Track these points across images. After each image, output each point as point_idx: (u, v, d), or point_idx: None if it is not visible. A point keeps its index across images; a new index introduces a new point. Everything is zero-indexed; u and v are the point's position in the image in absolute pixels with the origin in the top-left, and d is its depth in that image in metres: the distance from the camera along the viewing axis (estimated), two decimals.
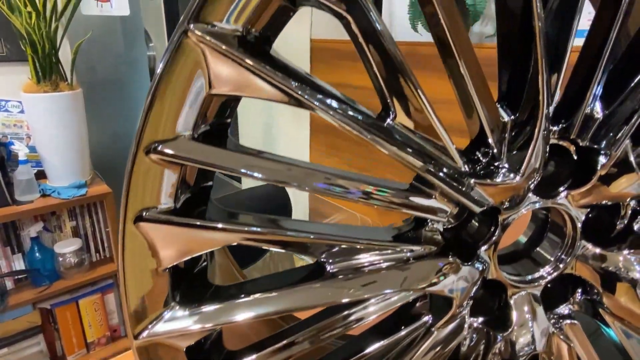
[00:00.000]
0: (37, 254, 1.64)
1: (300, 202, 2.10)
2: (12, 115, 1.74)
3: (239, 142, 0.29)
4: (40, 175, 1.65)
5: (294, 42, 2.39)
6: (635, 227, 0.40)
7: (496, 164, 0.34)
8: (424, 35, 2.05)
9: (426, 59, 1.78)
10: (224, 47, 0.24)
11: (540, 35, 0.28)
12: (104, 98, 2.54)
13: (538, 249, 0.42)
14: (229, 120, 0.30)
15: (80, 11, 1.91)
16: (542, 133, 0.32)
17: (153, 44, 3.05)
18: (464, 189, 0.33)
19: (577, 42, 0.33)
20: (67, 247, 1.66)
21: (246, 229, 0.29)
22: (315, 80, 0.28)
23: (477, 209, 0.34)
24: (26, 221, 1.65)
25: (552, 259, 0.40)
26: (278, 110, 2.32)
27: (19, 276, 1.65)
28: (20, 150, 1.59)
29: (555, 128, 0.35)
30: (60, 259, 1.66)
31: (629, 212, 0.40)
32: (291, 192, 1.68)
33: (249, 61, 0.24)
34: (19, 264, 1.65)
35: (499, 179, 0.33)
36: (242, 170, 0.27)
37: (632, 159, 0.35)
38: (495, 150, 0.34)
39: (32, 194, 1.57)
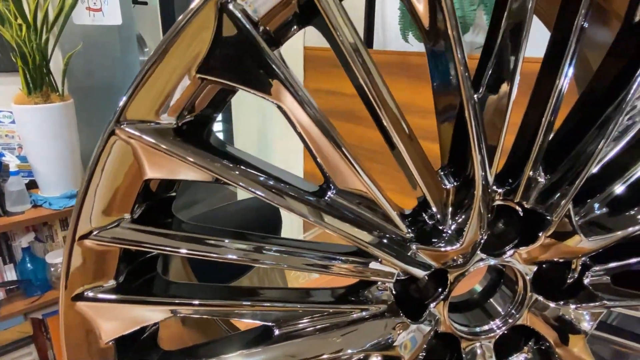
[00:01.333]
0: (29, 265, 1.65)
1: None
2: (3, 125, 1.75)
3: (183, 221, 0.30)
4: (32, 185, 1.66)
5: (286, 50, 2.39)
6: (585, 282, 0.40)
7: (441, 227, 0.35)
8: (415, 46, 2.05)
9: (417, 68, 1.78)
10: (152, 141, 0.24)
11: (470, 109, 0.29)
12: (96, 105, 2.54)
13: (491, 300, 0.43)
14: (174, 194, 0.31)
15: (72, 20, 1.91)
16: (479, 200, 0.32)
17: (148, 49, 3.06)
18: (406, 255, 0.33)
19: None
20: (58, 257, 1.67)
21: (185, 302, 0.29)
22: (252, 161, 0.29)
23: (421, 274, 0.34)
24: (17, 232, 1.66)
25: (502, 312, 0.41)
26: (272, 119, 2.32)
27: (11, 287, 1.66)
28: (11, 161, 1.60)
29: (500, 190, 0.36)
30: (52, 269, 1.67)
31: (579, 266, 0.40)
32: None
33: (177, 152, 0.25)
34: (10, 274, 1.66)
35: (441, 244, 0.34)
36: (184, 251, 0.28)
37: (574, 221, 0.36)
38: (439, 216, 0.34)
39: (23, 204, 1.58)
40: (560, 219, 0.35)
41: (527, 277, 0.39)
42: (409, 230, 0.34)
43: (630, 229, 0.36)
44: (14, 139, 1.75)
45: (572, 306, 0.39)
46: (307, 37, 2.35)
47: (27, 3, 1.62)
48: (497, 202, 0.36)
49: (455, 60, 0.27)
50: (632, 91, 0.30)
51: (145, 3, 3.00)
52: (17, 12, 1.53)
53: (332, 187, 0.31)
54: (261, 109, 2.18)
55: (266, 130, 2.40)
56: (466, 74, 0.28)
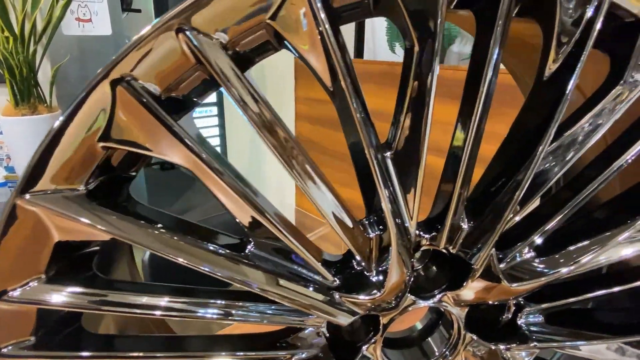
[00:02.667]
0: None
1: None
2: None
3: (101, 276, 0.31)
4: None
5: (278, 60, 2.40)
6: (519, 322, 0.41)
7: (367, 274, 0.36)
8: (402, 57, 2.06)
9: None
10: (57, 210, 0.25)
11: (375, 166, 0.30)
12: None
13: (429, 339, 0.43)
14: (94, 248, 0.31)
15: (62, 31, 1.93)
16: (396, 248, 0.33)
17: None
18: (331, 304, 0.34)
19: None
20: None
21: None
22: (168, 220, 0.30)
23: (345, 322, 0.35)
24: None
25: (437, 352, 0.42)
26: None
27: None
28: None
29: (427, 235, 0.36)
30: None
31: (513, 307, 0.41)
32: None
33: (83, 219, 0.26)
34: None
35: (365, 292, 0.35)
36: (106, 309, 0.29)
37: (497, 268, 0.36)
38: (363, 264, 0.35)
39: None
40: (482, 266, 0.36)
41: (460, 319, 0.40)
42: (335, 278, 0.35)
43: (555, 274, 0.36)
44: (2, 150, 1.76)
45: (502, 347, 0.40)
46: None
47: (15, 14, 1.63)
48: (425, 247, 0.37)
49: (355, 120, 0.28)
50: (540, 150, 0.30)
51: (139, 11, 3.01)
52: (3, 25, 1.54)
53: (251, 240, 0.32)
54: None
55: (259, 141, 2.39)
56: (366, 132, 0.28)
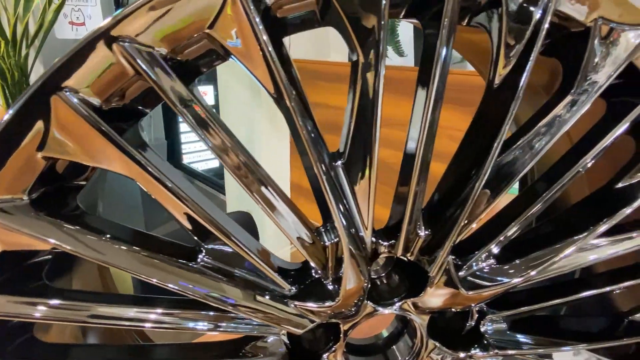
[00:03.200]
0: None
1: (267, 224, 2.12)
2: None
3: (51, 286, 0.31)
4: None
5: None
6: (482, 329, 0.41)
7: (325, 282, 0.36)
8: (394, 60, 2.06)
9: (398, 83, 1.79)
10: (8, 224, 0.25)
11: (322, 176, 0.30)
12: None
13: (394, 347, 0.43)
14: (44, 257, 0.31)
15: (55, 34, 1.93)
16: (349, 256, 0.33)
17: None
18: (285, 312, 0.34)
19: None
20: None
21: None
22: (125, 231, 0.30)
23: (299, 331, 0.35)
24: None
25: None
26: (259, 129, 2.32)
27: None
28: None
29: (386, 243, 0.36)
30: None
31: (475, 314, 0.41)
32: (257, 217, 1.70)
33: (24, 229, 0.26)
34: None
35: (322, 300, 0.35)
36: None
37: (453, 275, 0.36)
38: (320, 272, 0.35)
39: None
40: (439, 273, 0.36)
41: (422, 326, 0.39)
42: (291, 286, 0.35)
43: (514, 281, 0.36)
44: None
45: (462, 354, 0.40)
46: (292, 50, 2.37)
47: (7, 17, 1.63)
48: (384, 255, 0.37)
49: (299, 130, 0.28)
50: (488, 160, 0.30)
51: None
52: None
53: (202, 249, 0.32)
54: (249, 121, 2.19)
55: (253, 140, 2.40)
56: (312, 144, 0.28)
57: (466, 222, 0.34)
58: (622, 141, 0.38)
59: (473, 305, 0.39)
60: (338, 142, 0.34)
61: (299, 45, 2.33)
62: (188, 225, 0.30)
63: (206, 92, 3.95)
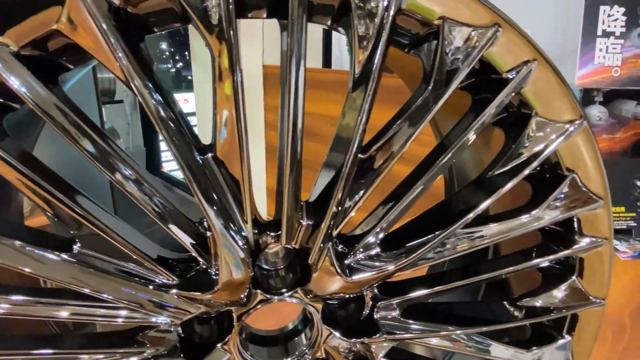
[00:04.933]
0: None
1: None
2: None
3: None
4: None
5: (246, 68, 2.43)
6: (375, 316, 0.42)
7: (210, 271, 0.37)
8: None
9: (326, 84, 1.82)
10: None
11: (186, 171, 0.31)
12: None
13: (296, 338, 0.45)
14: None
15: None
16: (222, 246, 0.35)
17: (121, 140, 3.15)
18: (162, 302, 0.35)
19: None
20: None
21: None
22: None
23: (179, 319, 0.36)
24: None
25: (297, 352, 0.43)
26: None
27: None
28: None
29: (272, 234, 0.38)
30: None
31: (369, 301, 0.42)
32: None
33: None
34: None
35: (203, 289, 0.36)
36: None
37: (334, 262, 0.38)
38: (202, 262, 0.36)
39: None
40: (319, 261, 0.37)
41: (316, 313, 0.41)
42: (173, 276, 0.36)
43: (391, 268, 0.38)
44: None
45: (353, 340, 0.41)
46: (266, 56, 2.39)
47: None
48: (272, 245, 0.38)
49: (160, 132, 0.29)
50: (350, 153, 0.32)
51: (121, 101, 3.14)
52: None
53: (76, 239, 0.33)
54: None
55: None
56: (170, 132, 0.30)
57: (337, 210, 0.36)
58: (494, 134, 0.40)
59: (360, 291, 0.41)
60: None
61: (272, 50, 2.36)
62: (55, 215, 0.31)
63: (188, 99, 3.96)
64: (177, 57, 4.34)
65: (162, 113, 0.30)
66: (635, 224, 1.16)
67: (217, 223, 0.34)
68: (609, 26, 1.15)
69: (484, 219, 0.40)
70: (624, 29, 1.14)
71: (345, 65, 2.39)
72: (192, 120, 2.64)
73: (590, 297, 0.43)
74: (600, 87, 1.16)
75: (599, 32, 1.15)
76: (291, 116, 0.32)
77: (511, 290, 0.48)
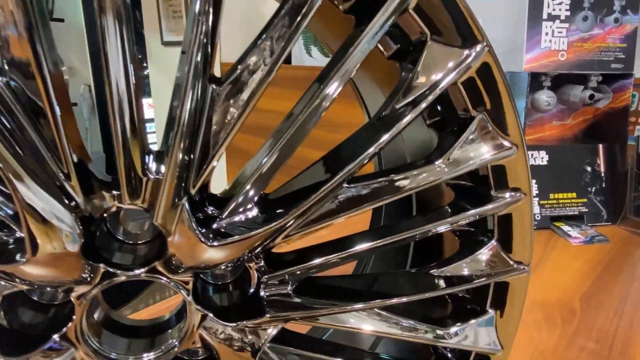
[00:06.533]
0: None
1: None
2: None
3: None
4: None
5: None
6: (262, 294, 0.35)
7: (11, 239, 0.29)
8: (319, 60, 2.05)
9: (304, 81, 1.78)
10: None
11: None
12: None
13: (169, 330, 0.37)
14: None
15: None
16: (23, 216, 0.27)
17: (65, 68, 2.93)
18: None
19: None
20: None
21: None
22: None
23: None
24: None
25: (163, 346, 0.35)
26: None
27: None
28: None
29: (108, 194, 0.30)
30: None
31: (256, 275, 0.35)
32: None
33: None
34: None
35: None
36: None
37: (188, 220, 0.30)
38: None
39: None
40: (171, 222, 0.30)
41: (182, 290, 0.33)
42: None
43: (257, 231, 0.31)
44: None
45: (231, 324, 0.34)
46: (224, 54, 2.32)
47: None
48: (114, 207, 0.31)
49: None
50: None
51: (62, 20, 2.89)
52: None
53: None
54: None
55: None
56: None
57: (187, 158, 0.28)
58: (391, 67, 0.34)
59: (239, 263, 0.34)
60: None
61: (230, 48, 2.28)
62: None
63: (152, 105, 3.81)
64: None
65: None
66: (586, 210, 1.14)
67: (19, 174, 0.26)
68: (554, 10, 1.13)
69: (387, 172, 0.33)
70: (568, 12, 1.13)
71: (306, 62, 2.34)
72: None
73: (512, 263, 0.37)
74: (548, 71, 1.14)
75: (545, 16, 1.13)
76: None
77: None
